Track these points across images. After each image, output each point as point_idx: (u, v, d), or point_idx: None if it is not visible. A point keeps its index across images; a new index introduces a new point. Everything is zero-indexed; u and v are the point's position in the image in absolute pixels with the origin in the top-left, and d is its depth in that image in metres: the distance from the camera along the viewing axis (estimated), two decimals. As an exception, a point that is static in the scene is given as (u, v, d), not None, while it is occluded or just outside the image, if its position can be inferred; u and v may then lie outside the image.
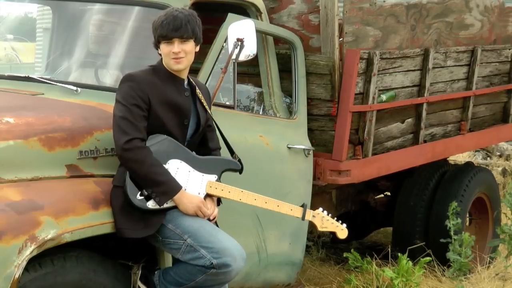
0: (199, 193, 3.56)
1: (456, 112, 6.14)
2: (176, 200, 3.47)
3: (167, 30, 3.50)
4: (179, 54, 3.52)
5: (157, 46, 3.59)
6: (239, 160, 3.74)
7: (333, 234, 6.88)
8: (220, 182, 3.63)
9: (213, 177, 3.60)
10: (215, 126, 3.81)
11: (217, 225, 3.66)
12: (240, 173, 3.72)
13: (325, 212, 3.85)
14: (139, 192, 3.43)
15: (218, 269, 3.38)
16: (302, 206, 3.79)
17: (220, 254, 3.38)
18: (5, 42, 5.32)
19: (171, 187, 3.45)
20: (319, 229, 3.85)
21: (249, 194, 3.67)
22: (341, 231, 3.88)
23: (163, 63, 3.60)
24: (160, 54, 3.62)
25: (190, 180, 3.54)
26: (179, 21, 3.50)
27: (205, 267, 3.38)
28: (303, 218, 3.77)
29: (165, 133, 3.54)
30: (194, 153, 3.60)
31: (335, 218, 3.88)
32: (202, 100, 3.68)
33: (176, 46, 3.52)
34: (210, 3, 4.34)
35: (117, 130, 3.44)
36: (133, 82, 3.49)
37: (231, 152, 3.81)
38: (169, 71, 3.59)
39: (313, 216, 3.81)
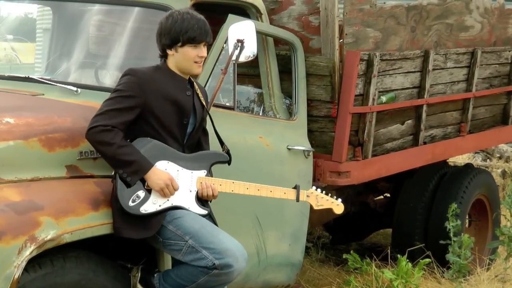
0: (190, 191, 3.55)
1: (456, 114, 6.14)
2: (146, 178, 3.45)
3: (199, 34, 3.52)
4: (203, 58, 3.57)
5: (170, 48, 3.56)
6: (228, 152, 3.71)
7: (332, 235, 6.95)
8: (210, 176, 3.62)
9: (203, 173, 3.59)
10: (211, 126, 3.81)
11: (216, 225, 3.65)
12: (229, 164, 3.70)
13: (319, 190, 3.82)
14: (131, 199, 3.43)
15: (220, 270, 3.37)
16: (295, 187, 3.76)
17: (222, 255, 3.38)
18: (5, 42, 5.32)
19: (141, 166, 3.42)
20: (315, 207, 3.82)
21: (241, 184, 3.67)
22: (337, 206, 3.85)
23: (179, 66, 3.58)
24: (162, 56, 3.61)
25: (180, 179, 3.53)
26: (208, 26, 3.56)
27: (207, 268, 3.38)
28: (297, 199, 3.75)
29: (164, 131, 3.54)
30: (180, 152, 3.58)
31: (329, 194, 3.85)
32: (200, 96, 3.69)
33: (204, 50, 3.55)
34: (210, 3, 4.33)
35: (95, 114, 3.45)
36: (134, 77, 3.50)
37: (221, 143, 3.78)
38: (172, 71, 3.60)
39: (307, 196, 3.79)
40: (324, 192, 3.85)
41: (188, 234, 3.42)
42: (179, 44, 3.54)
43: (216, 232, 3.48)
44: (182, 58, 3.57)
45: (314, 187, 3.84)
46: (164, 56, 3.62)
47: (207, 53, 3.75)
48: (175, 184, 3.49)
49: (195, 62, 3.57)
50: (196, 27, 3.52)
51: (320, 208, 3.83)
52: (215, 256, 3.37)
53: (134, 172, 3.41)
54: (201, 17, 3.57)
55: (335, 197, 3.87)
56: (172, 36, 3.53)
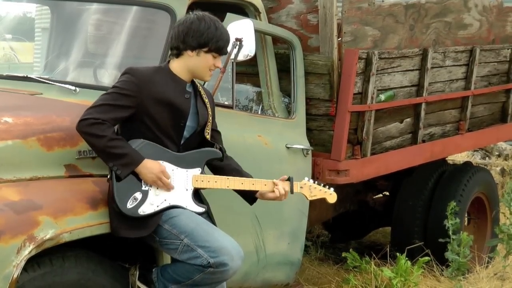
0: (187, 189, 3.55)
1: (454, 112, 6.14)
2: (137, 172, 3.44)
3: (225, 47, 3.59)
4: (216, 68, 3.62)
5: (193, 49, 3.53)
6: (220, 148, 3.71)
7: (331, 234, 6.95)
8: (205, 173, 3.62)
9: (197, 171, 3.59)
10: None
11: (214, 223, 3.65)
12: (222, 160, 3.71)
13: (311, 180, 3.86)
14: (129, 201, 3.42)
15: (215, 268, 3.38)
16: (288, 179, 3.78)
17: (217, 253, 3.38)
18: (4, 42, 5.31)
19: (132, 159, 3.41)
20: (309, 198, 3.86)
21: (236, 179, 3.67)
22: (330, 195, 3.88)
23: (192, 69, 3.57)
24: (177, 54, 3.58)
25: (176, 178, 3.53)
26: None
27: (202, 266, 3.38)
28: (291, 191, 3.77)
29: (160, 132, 3.53)
30: (173, 151, 3.57)
31: (322, 184, 3.88)
32: (205, 100, 3.69)
33: (220, 62, 3.62)
34: (209, 2, 4.33)
35: (89, 106, 3.44)
36: (133, 76, 3.49)
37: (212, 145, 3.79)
38: (172, 73, 3.58)
39: (301, 187, 3.82)
40: (316, 182, 3.88)
41: (184, 233, 3.43)
42: (205, 49, 3.53)
43: (211, 231, 3.48)
44: (201, 64, 3.56)
45: (306, 178, 3.87)
46: (178, 54, 3.58)
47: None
48: (167, 174, 3.49)
49: (210, 70, 3.59)
50: (225, 39, 3.57)
51: (314, 198, 3.87)
52: (210, 254, 3.37)
53: (125, 165, 3.40)
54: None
55: (327, 186, 3.90)
56: (203, 40, 3.51)
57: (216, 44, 3.53)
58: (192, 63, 3.57)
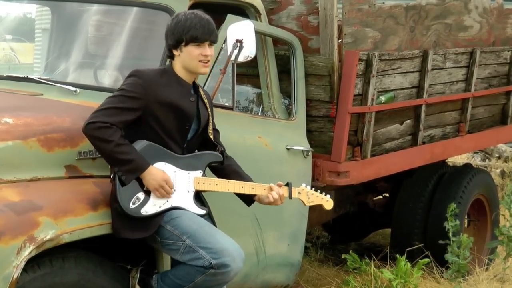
0: (188, 191, 3.56)
1: (455, 114, 6.14)
2: (141, 177, 3.45)
3: (202, 33, 3.52)
4: (207, 58, 3.56)
5: (175, 48, 3.55)
6: (221, 152, 3.72)
7: (331, 235, 6.95)
8: (206, 176, 3.63)
9: (199, 173, 3.61)
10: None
11: (215, 225, 3.66)
12: (222, 164, 3.72)
13: (308, 186, 3.89)
14: (131, 201, 3.43)
15: (217, 269, 3.38)
16: (287, 185, 3.80)
17: (218, 255, 3.38)
18: (4, 42, 5.32)
19: (137, 165, 3.42)
20: (306, 204, 3.89)
21: (236, 183, 3.69)
22: (327, 202, 3.93)
23: (185, 66, 3.57)
24: (170, 57, 3.60)
25: (177, 180, 3.54)
26: (212, 25, 3.57)
27: (204, 268, 3.38)
28: (290, 196, 3.80)
29: (166, 134, 3.54)
30: (177, 153, 3.58)
31: (319, 191, 3.92)
32: (205, 101, 3.69)
33: (208, 49, 3.55)
34: (209, 3, 4.33)
35: (96, 109, 3.44)
36: (140, 79, 3.49)
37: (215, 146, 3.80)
38: (177, 75, 3.59)
39: (299, 193, 3.85)
40: (313, 188, 3.91)
41: (186, 234, 3.43)
42: (183, 43, 3.54)
43: (213, 232, 3.48)
44: (187, 58, 3.56)
45: (304, 184, 3.90)
46: (171, 57, 3.61)
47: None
48: (170, 183, 3.49)
49: (200, 61, 3.56)
50: (198, 26, 3.52)
51: (311, 204, 3.91)
52: (212, 255, 3.38)
53: (130, 171, 3.41)
54: (206, 16, 3.58)
55: (324, 193, 3.93)
56: (176, 36, 3.53)
57: (189, 34, 3.51)
58: (182, 61, 3.58)
